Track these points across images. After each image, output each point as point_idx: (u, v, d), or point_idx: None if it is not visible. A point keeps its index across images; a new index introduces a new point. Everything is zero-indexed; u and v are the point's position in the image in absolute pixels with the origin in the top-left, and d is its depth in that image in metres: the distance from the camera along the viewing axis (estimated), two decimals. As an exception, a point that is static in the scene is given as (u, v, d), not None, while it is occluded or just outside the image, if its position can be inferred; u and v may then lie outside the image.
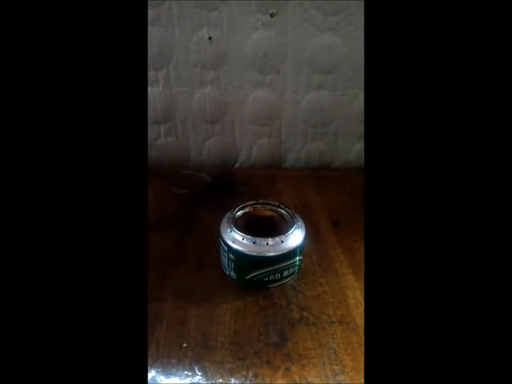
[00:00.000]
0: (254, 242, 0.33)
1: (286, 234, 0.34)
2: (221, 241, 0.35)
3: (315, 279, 0.37)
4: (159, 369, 0.28)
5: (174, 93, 0.57)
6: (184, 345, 0.30)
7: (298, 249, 0.34)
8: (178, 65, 0.54)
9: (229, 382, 0.27)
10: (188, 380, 0.27)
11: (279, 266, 0.34)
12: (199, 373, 0.28)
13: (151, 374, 0.27)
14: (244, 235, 0.33)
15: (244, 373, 0.28)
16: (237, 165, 0.63)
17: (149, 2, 0.49)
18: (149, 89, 0.56)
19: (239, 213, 0.37)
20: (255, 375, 0.27)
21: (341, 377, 0.27)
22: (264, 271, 0.34)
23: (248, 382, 0.27)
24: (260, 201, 0.39)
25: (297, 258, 0.35)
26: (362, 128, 0.58)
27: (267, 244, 0.33)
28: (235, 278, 0.36)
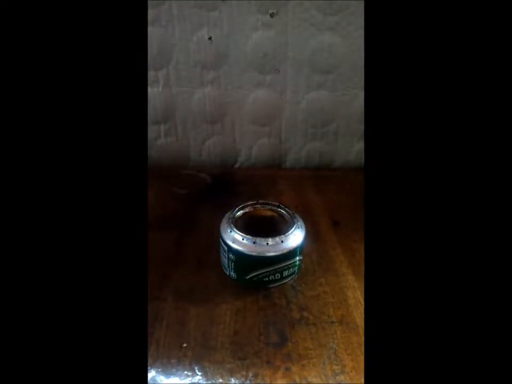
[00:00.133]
0: (254, 242, 0.33)
1: (286, 234, 0.34)
2: (221, 241, 0.35)
3: (315, 279, 0.37)
4: (159, 369, 0.28)
5: (174, 93, 0.57)
6: (184, 345, 0.30)
7: (298, 249, 0.34)
8: (178, 65, 0.54)
9: (229, 382, 0.27)
10: (188, 380, 0.27)
11: (279, 266, 0.34)
12: (199, 373, 0.28)
13: (151, 374, 0.27)
14: (244, 235, 0.33)
15: (244, 373, 0.28)
16: (237, 165, 0.63)
17: (149, 2, 0.49)
18: (149, 89, 0.56)
19: (239, 213, 0.37)
20: (255, 375, 0.27)
21: (341, 377, 0.27)
22: (264, 271, 0.34)
23: (248, 382, 0.27)
24: (260, 201, 0.39)
25: (297, 258, 0.35)
26: (362, 128, 0.58)
27: (267, 243, 0.33)
28: (235, 278, 0.36)
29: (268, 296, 0.35)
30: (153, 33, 0.52)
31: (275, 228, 0.36)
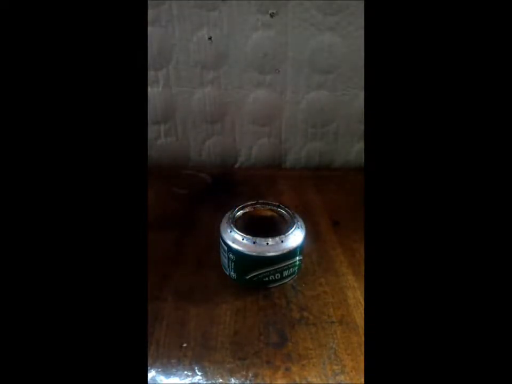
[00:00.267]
0: (254, 242, 0.33)
1: (286, 234, 0.34)
2: (221, 241, 0.35)
3: (315, 279, 0.37)
4: (159, 369, 0.28)
5: (174, 93, 0.57)
6: (184, 345, 0.30)
7: (298, 249, 0.34)
8: (178, 65, 0.54)
9: (229, 382, 0.27)
10: (188, 380, 0.27)
11: (279, 266, 0.34)
12: (199, 373, 0.28)
13: (151, 374, 0.27)
14: (244, 235, 0.33)
15: (244, 373, 0.28)
16: (237, 165, 0.63)
17: (149, 2, 0.49)
18: (149, 89, 0.56)
19: (239, 213, 0.37)
20: (255, 375, 0.27)
21: (341, 377, 0.27)
22: (264, 271, 0.34)
23: (248, 382, 0.27)
24: (260, 201, 0.39)
25: (297, 258, 0.35)
26: (362, 128, 0.58)
27: (267, 243, 0.33)
28: (235, 278, 0.36)
29: (268, 296, 0.35)
30: (153, 33, 0.52)
31: (275, 228, 0.36)
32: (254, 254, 0.33)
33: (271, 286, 0.35)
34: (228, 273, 0.36)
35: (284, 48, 0.53)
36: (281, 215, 0.38)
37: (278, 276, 0.35)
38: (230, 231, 0.34)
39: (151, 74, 0.55)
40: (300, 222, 0.36)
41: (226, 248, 0.34)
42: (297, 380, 0.27)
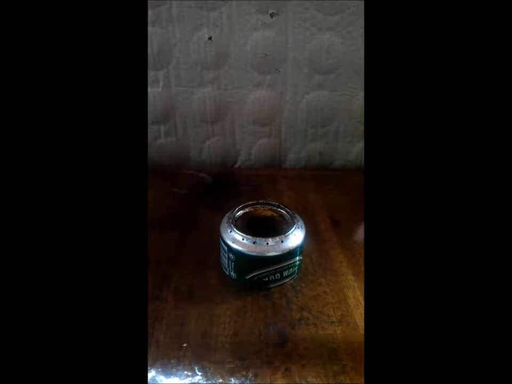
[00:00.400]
0: (254, 242, 0.33)
1: (286, 234, 0.34)
2: (221, 241, 0.35)
3: (315, 279, 0.37)
4: (159, 369, 0.28)
5: (174, 93, 0.57)
6: (184, 345, 0.30)
7: (298, 249, 0.34)
8: (178, 65, 0.54)
9: (229, 382, 0.27)
10: (188, 380, 0.27)
11: (279, 266, 0.34)
12: (199, 373, 0.28)
13: (151, 374, 0.27)
14: (244, 235, 0.33)
15: (244, 373, 0.28)
16: (237, 165, 0.63)
17: (149, 2, 0.49)
18: (149, 89, 0.56)
19: (239, 213, 0.37)
20: (255, 375, 0.27)
21: (341, 377, 0.27)
22: (264, 271, 0.34)
23: (248, 382, 0.27)
24: (260, 201, 0.39)
25: (297, 258, 0.35)
26: (362, 128, 0.58)
27: (267, 243, 0.33)
28: (235, 278, 0.36)
29: (268, 296, 0.35)
30: (153, 33, 0.52)
31: (275, 228, 0.36)
32: (254, 254, 0.33)
33: (271, 286, 0.35)
34: (227, 273, 0.36)
35: (284, 48, 0.53)
36: (281, 215, 0.38)
37: (278, 276, 0.35)
38: (230, 231, 0.34)
39: (151, 74, 0.55)
40: (300, 222, 0.36)
41: (226, 248, 0.34)
42: (297, 380, 0.27)
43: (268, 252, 0.33)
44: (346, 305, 0.34)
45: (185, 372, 0.28)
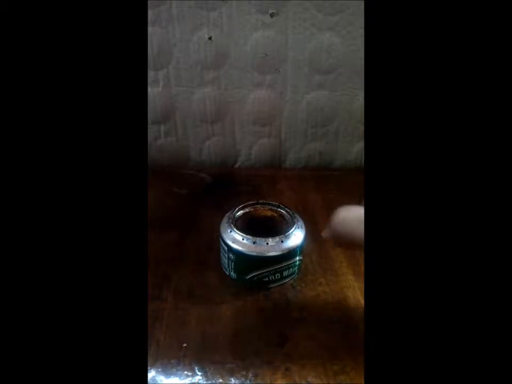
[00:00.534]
0: (254, 242, 0.33)
1: (286, 234, 0.34)
2: (221, 241, 0.35)
3: (315, 279, 0.37)
4: (159, 369, 0.28)
5: (174, 93, 0.57)
6: (184, 345, 0.30)
7: (298, 249, 0.34)
8: (178, 65, 0.54)
9: (229, 382, 0.27)
10: (188, 380, 0.27)
11: (279, 266, 0.34)
12: (199, 373, 0.28)
13: (151, 374, 0.27)
14: (244, 235, 0.33)
15: (244, 373, 0.28)
16: (237, 165, 0.63)
17: (149, 2, 0.49)
18: (149, 89, 0.56)
19: (239, 213, 0.37)
20: (255, 375, 0.27)
21: (341, 377, 0.27)
22: (264, 271, 0.34)
23: (248, 382, 0.27)
24: (260, 201, 0.39)
25: (297, 258, 0.35)
26: (362, 128, 0.58)
27: (267, 243, 0.33)
28: (235, 278, 0.36)
29: (268, 296, 0.35)
30: (153, 33, 0.52)
31: (275, 227, 0.36)
32: (254, 254, 0.33)
33: (271, 286, 0.35)
34: (227, 273, 0.36)
35: (284, 48, 0.53)
36: (281, 215, 0.38)
37: (278, 276, 0.35)
38: (230, 231, 0.34)
39: (151, 74, 0.55)
40: (300, 222, 0.36)
41: (226, 248, 0.34)
42: (297, 380, 0.27)
43: (268, 252, 0.33)
44: (346, 305, 0.34)
45: (185, 372, 0.28)
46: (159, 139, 0.61)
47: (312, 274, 0.37)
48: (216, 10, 0.50)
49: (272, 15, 0.51)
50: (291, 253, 0.34)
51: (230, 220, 0.35)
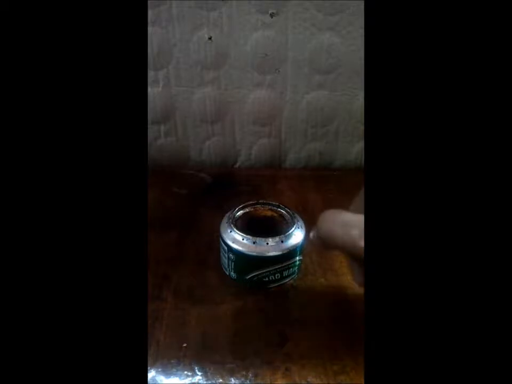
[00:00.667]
0: (254, 242, 0.33)
1: (286, 234, 0.34)
2: (221, 241, 0.35)
3: (315, 279, 0.37)
4: (159, 369, 0.28)
5: (174, 93, 0.57)
6: (184, 345, 0.30)
7: (298, 249, 0.34)
8: (178, 65, 0.54)
9: (229, 382, 0.27)
10: (188, 380, 0.27)
11: (279, 266, 0.34)
12: (199, 373, 0.28)
13: (151, 374, 0.27)
14: (244, 235, 0.33)
15: (244, 373, 0.28)
16: (237, 165, 0.63)
17: (149, 2, 0.49)
18: (149, 89, 0.56)
19: (239, 213, 0.37)
20: (255, 375, 0.27)
21: (341, 377, 0.27)
22: (264, 271, 0.34)
23: (248, 382, 0.27)
24: (260, 201, 0.39)
25: (297, 258, 0.35)
26: (362, 128, 0.58)
27: (267, 243, 0.33)
28: (235, 278, 0.36)
29: (268, 296, 0.35)
30: (153, 33, 0.52)
31: (275, 228, 0.36)
32: (254, 254, 0.33)
33: (271, 286, 0.35)
34: (227, 273, 0.36)
35: (284, 48, 0.53)
36: (281, 215, 0.38)
37: (278, 276, 0.35)
38: (230, 231, 0.34)
39: (151, 74, 0.55)
40: (300, 222, 0.36)
41: (226, 248, 0.34)
42: (297, 380, 0.27)
43: (268, 252, 0.33)
44: (346, 305, 0.34)
45: (185, 372, 0.28)
46: (159, 139, 0.61)
47: (312, 274, 0.37)
48: (216, 10, 0.50)
49: (272, 15, 0.51)
50: (291, 253, 0.34)
51: (230, 220, 0.35)
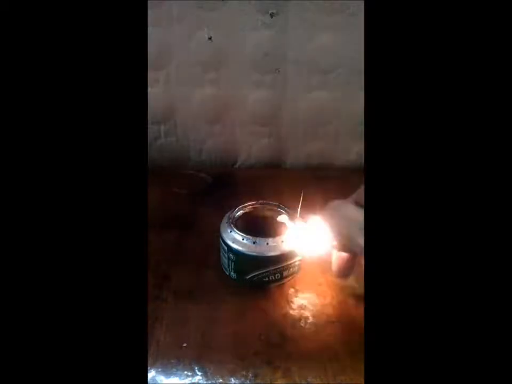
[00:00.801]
0: (254, 242, 0.33)
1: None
2: (221, 241, 0.35)
3: (315, 279, 0.37)
4: (159, 369, 0.28)
5: (174, 93, 0.56)
6: (184, 345, 0.30)
7: (298, 250, 0.34)
8: (178, 65, 0.54)
9: (229, 382, 0.27)
10: (188, 380, 0.27)
11: (279, 266, 0.34)
12: (199, 373, 0.28)
13: (151, 374, 0.27)
14: (244, 235, 0.33)
15: (244, 373, 0.28)
16: (237, 165, 0.63)
17: (149, 2, 0.49)
18: (149, 89, 0.56)
19: (239, 213, 0.37)
20: (255, 375, 0.27)
21: (341, 377, 0.27)
22: (264, 271, 0.34)
23: (248, 382, 0.27)
24: (260, 201, 0.39)
25: (297, 258, 0.35)
26: (362, 128, 0.58)
27: (267, 244, 0.33)
28: (235, 278, 0.36)
29: (268, 296, 0.35)
30: (153, 33, 0.52)
31: (275, 228, 0.36)
32: (254, 254, 0.33)
33: (271, 286, 0.35)
34: (228, 273, 0.36)
35: (284, 48, 0.53)
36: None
37: (278, 276, 0.35)
38: (230, 231, 0.34)
39: (151, 74, 0.55)
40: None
41: (226, 248, 0.34)
42: (297, 380, 0.27)
43: (268, 252, 0.33)
44: (346, 305, 0.34)
45: (185, 372, 0.28)
46: (159, 139, 0.61)
47: (312, 274, 0.37)
48: (216, 10, 0.50)
49: (272, 15, 0.51)
50: (291, 253, 0.34)
51: (230, 220, 0.35)
